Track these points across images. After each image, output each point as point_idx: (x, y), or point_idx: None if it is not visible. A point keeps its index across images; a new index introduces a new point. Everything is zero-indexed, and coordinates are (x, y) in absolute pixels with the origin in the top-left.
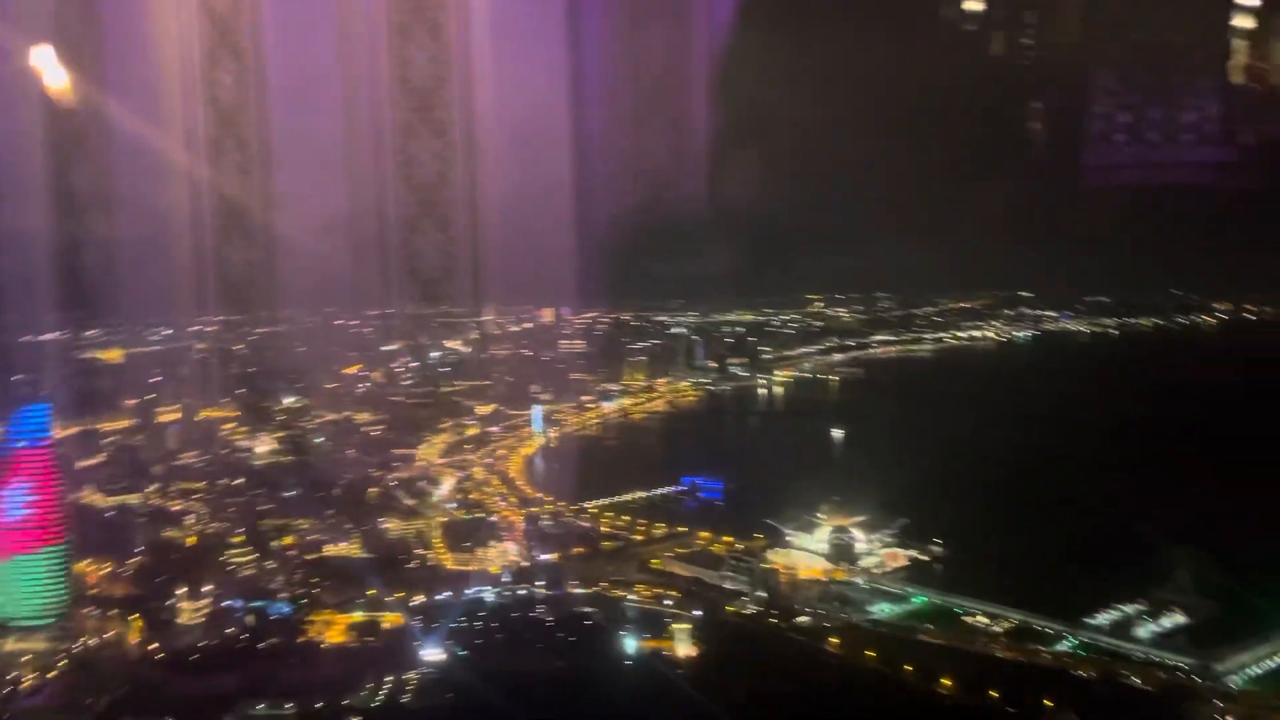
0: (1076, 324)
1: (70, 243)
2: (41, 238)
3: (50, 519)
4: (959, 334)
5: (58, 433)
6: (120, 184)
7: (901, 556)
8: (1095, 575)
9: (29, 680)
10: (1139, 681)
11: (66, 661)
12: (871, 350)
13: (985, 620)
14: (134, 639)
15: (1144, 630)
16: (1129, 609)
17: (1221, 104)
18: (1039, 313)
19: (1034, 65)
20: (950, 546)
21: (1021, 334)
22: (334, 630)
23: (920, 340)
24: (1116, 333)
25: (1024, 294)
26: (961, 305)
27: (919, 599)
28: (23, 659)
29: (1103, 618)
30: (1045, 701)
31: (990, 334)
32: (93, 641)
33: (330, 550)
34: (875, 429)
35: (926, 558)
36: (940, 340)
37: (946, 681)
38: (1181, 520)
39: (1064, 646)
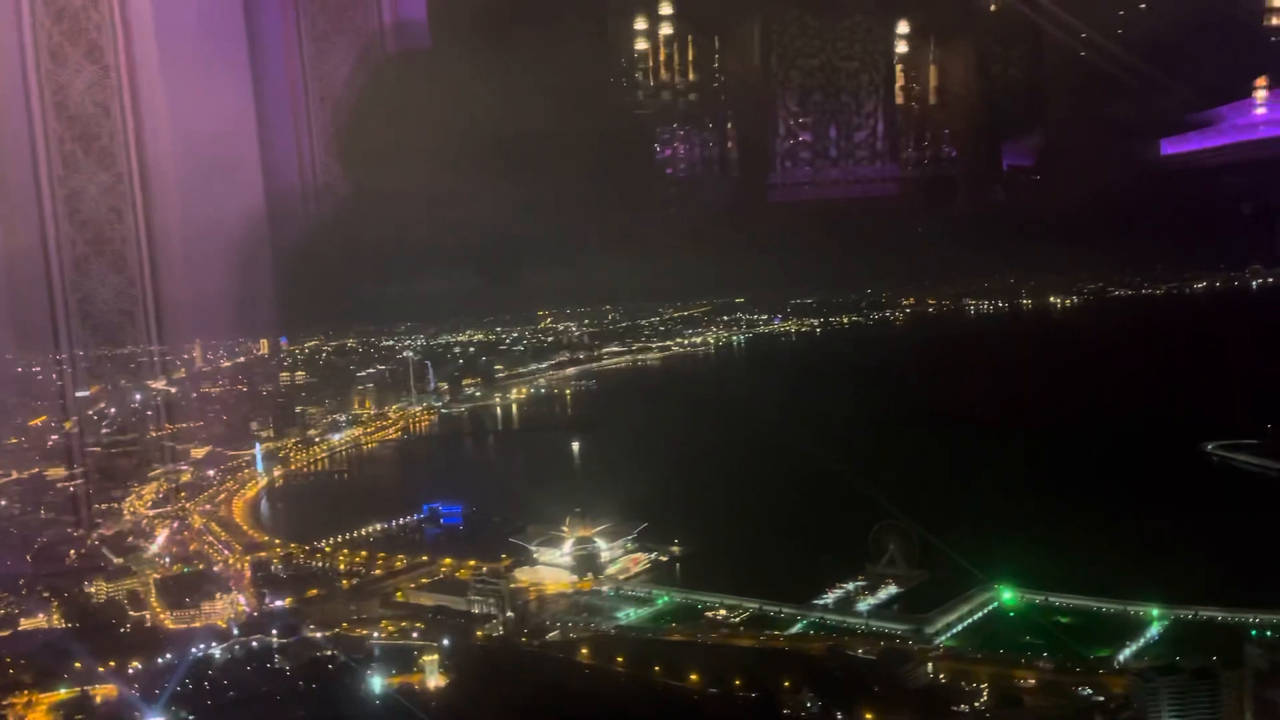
0: (785, 325)
1: None
2: None
3: None
4: (682, 340)
5: None
6: None
7: (643, 560)
8: (818, 558)
9: None
10: (862, 652)
11: None
12: (603, 362)
13: (724, 612)
14: None
15: (864, 604)
16: (850, 586)
17: (888, 124)
18: (752, 317)
19: (726, 89)
20: (688, 545)
21: (737, 337)
22: (36, 713)
23: (647, 349)
24: (819, 331)
25: (737, 300)
26: (682, 313)
27: (662, 599)
28: None
29: (828, 597)
30: (783, 682)
31: (710, 339)
32: None
33: (26, 624)
34: (611, 438)
35: (666, 558)
36: (666, 348)
37: (693, 676)
38: (889, 495)
39: (796, 628)
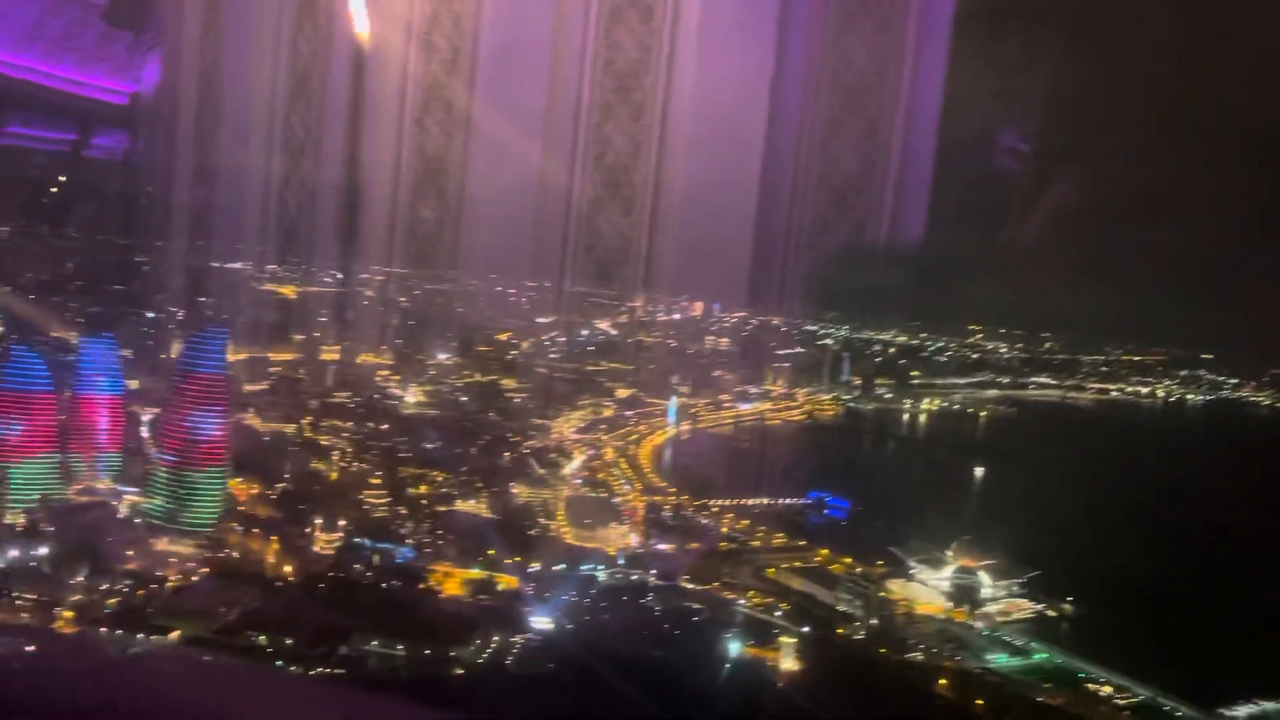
0: (1257, 394)
1: (274, 179)
2: (249, 172)
3: (218, 438)
4: (1124, 386)
5: (231, 357)
6: (330, 130)
7: (1027, 608)
8: (1241, 665)
9: (174, 580)
10: None
11: (208, 570)
12: (1027, 391)
13: (1110, 690)
14: (270, 559)
15: None
16: (1271, 706)
17: None
18: (1217, 378)
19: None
20: (1083, 607)
21: (1193, 398)
22: (451, 583)
23: (1081, 388)
24: None
25: (1204, 355)
26: (1133, 358)
27: (1040, 655)
28: (170, 560)
29: (1240, 710)
30: None
31: (1159, 391)
32: (234, 555)
33: (459, 505)
34: (1019, 473)
35: (1055, 614)
36: (1104, 391)
37: None
38: None
39: None
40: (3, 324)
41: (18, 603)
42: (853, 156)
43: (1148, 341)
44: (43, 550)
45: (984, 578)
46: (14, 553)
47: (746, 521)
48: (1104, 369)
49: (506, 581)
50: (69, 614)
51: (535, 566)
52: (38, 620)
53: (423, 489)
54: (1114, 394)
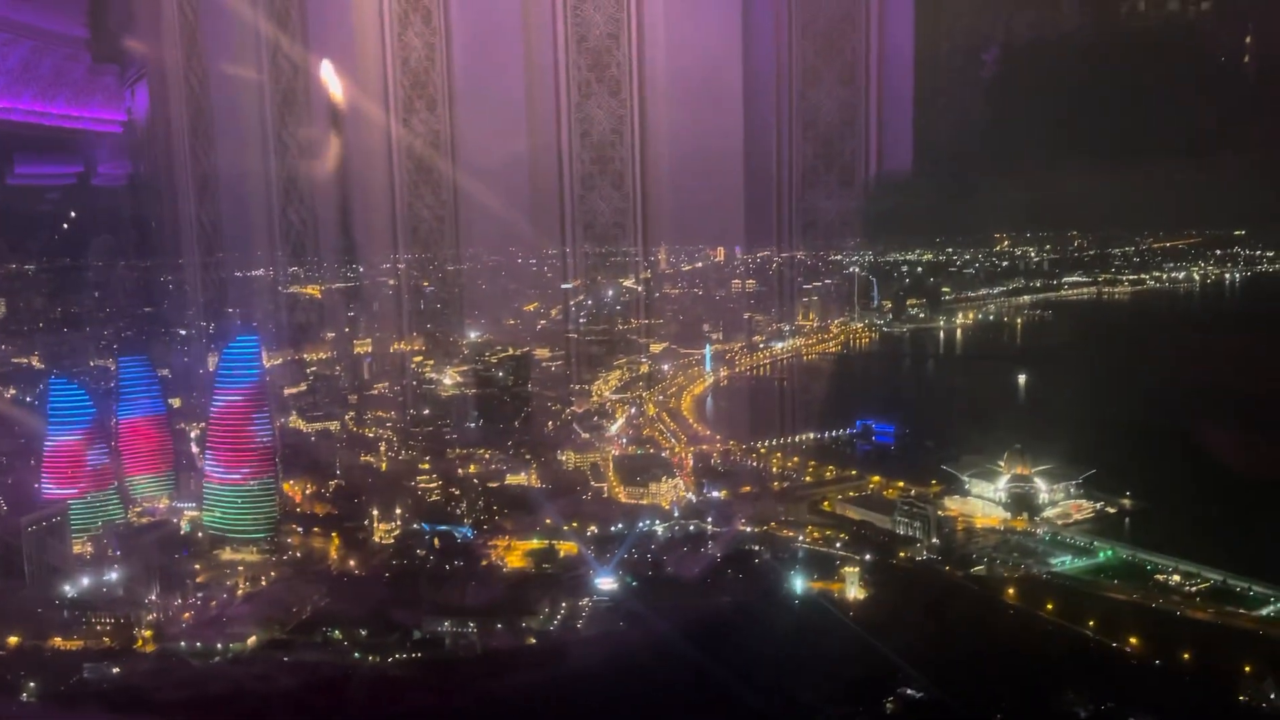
0: None
1: (278, 187)
2: (254, 183)
3: (265, 444)
4: (1159, 274)
5: (266, 362)
6: (323, 137)
7: (1087, 508)
8: None
9: (244, 587)
10: None
11: (274, 573)
12: (1062, 291)
13: (1179, 578)
14: (332, 555)
15: None
16: None
17: None
18: (1253, 253)
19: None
20: (1142, 500)
21: (1230, 275)
22: (513, 555)
23: (1116, 281)
24: None
25: (1236, 233)
26: (1163, 244)
27: (1105, 553)
28: (238, 568)
29: None
30: (1244, 666)
31: (1195, 274)
32: (297, 555)
33: (511, 479)
34: (1062, 375)
35: (1115, 510)
36: (1139, 281)
37: (1133, 640)
38: None
39: (1268, 610)
40: (40, 361)
41: (98, 628)
42: (833, 101)
43: (1178, 226)
44: (113, 575)
45: (1039, 484)
46: (86, 580)
47: (796, 459)
48: (1136, 259)
49: (567, 548)
50: (147, 633)
51: (593, 529)
52: (119, 642)
53: (473, 468)
54: (1149, 283)
